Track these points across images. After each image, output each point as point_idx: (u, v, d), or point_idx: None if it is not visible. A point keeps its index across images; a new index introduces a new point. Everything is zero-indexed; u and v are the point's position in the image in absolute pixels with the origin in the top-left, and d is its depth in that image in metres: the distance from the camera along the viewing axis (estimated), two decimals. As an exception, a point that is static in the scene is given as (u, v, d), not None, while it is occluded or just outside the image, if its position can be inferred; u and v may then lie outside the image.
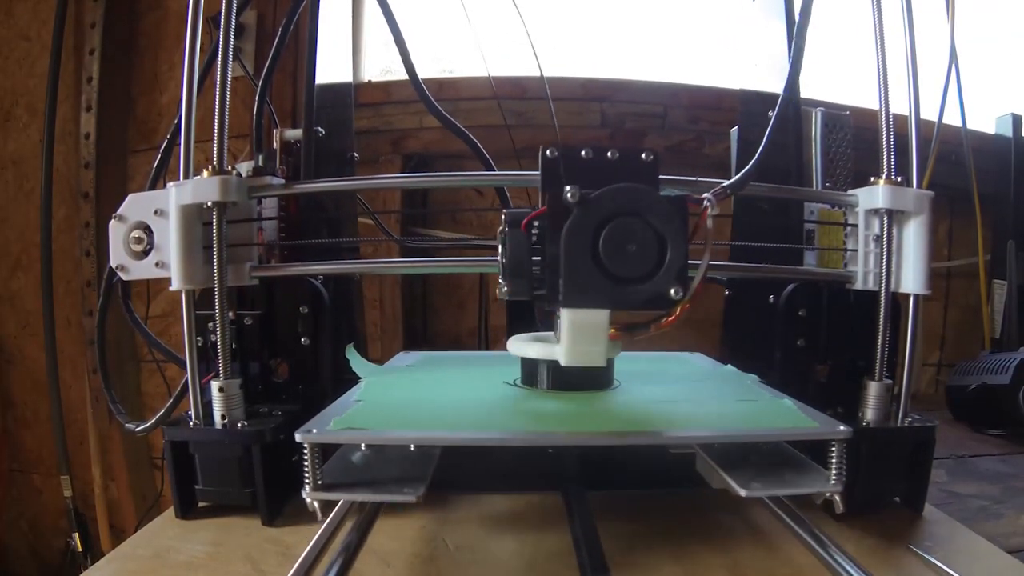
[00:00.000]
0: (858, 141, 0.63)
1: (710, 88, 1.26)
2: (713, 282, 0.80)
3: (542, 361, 0.50)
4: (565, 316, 0.39)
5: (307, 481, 0.39)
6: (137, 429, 0.63)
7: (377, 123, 1.26)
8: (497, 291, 0.42)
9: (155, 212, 0.51)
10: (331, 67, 0.70)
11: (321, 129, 0.65)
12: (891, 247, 0.50)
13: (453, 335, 1.36)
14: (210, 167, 0.50)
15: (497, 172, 0.55)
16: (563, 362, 0.41)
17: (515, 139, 1.09)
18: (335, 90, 0.71)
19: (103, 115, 1.30)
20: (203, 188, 0.49)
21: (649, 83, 1.27)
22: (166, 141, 0.63)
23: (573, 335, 0.40)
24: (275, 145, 0.64)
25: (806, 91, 0.63)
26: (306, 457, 0.38)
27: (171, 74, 1.33)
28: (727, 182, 0.47)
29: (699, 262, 0.40)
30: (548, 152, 0.41)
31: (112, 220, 0.52)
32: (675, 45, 1.38)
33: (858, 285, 0.53)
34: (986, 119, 1.37)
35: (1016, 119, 1.33)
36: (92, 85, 1.29)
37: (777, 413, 0.46)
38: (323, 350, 0.58)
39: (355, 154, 0.73)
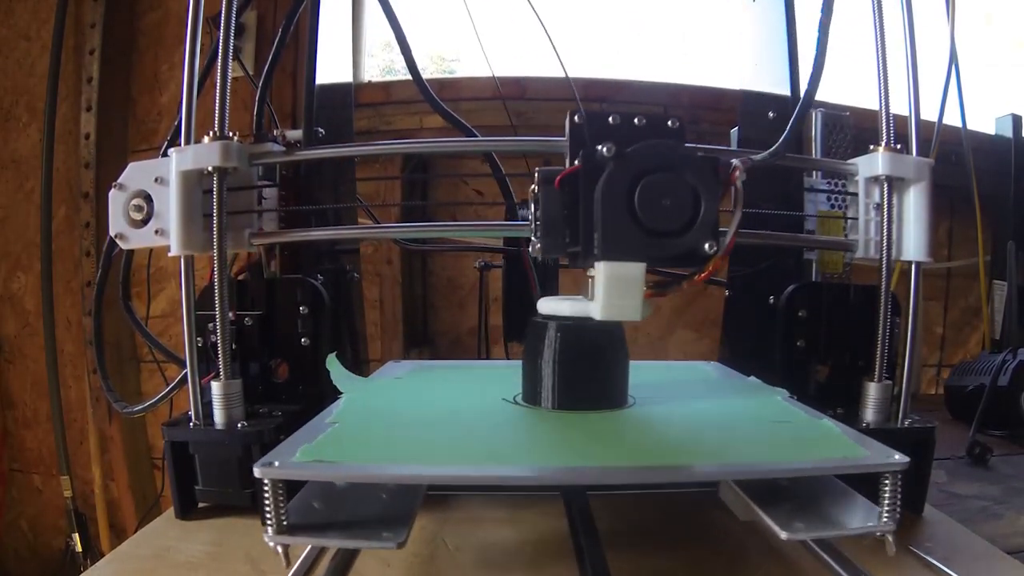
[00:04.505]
0: (858, 142, 0.63)
1: (710, 88, 1.26)
2: (714, 283, 0.80)
3: (546, 376, 0.47)
4: (601, 270, 0.39)
5: (269, 523, 0.33)
6: (124, 411, 0.63)
7: (377, 123, 1.26)
8: (530, 249, 0.42)
9: (155, 180, 0.51)
10: (331, 67, 0.70)
11: (321, 129, 0.65)
12: (891, 214, 0.49)
13: (453, 335, 1.36)
14: (211, 133, 0.50)
15: (496, 138, 0.56)
16: (598, 316, 0.40)
17: (515, 139, 1.09)
18: (335, 90, 0.71)
19: (103, 115, 1.30)
20: (204, 153, 0.49)
21: (649, 83, 1.27)
22: (166, 141, 0.62)
23: (609, 288, 0.39)
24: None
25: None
26: (267, 494, 0.33)
27: (171, 74, 1.33)
28: (756, 155, 0.47)
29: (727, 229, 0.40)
30: (576, 117, 0.41)
31: (112, 189, 0.52)
32: (675, 45, 1.38)
33: (859, 253, 0.52)
34: (986, 119, 1.37)
35: (1016, 120, 1.33)
36: (92, 85, 1.29)
37: (819, 439, 0.41)
38: (323, 350, 0.58)
39: (355, 159, 0.73)
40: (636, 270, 0.39)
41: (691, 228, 0.38)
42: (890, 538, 0.36)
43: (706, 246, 0.38)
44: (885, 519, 0.35)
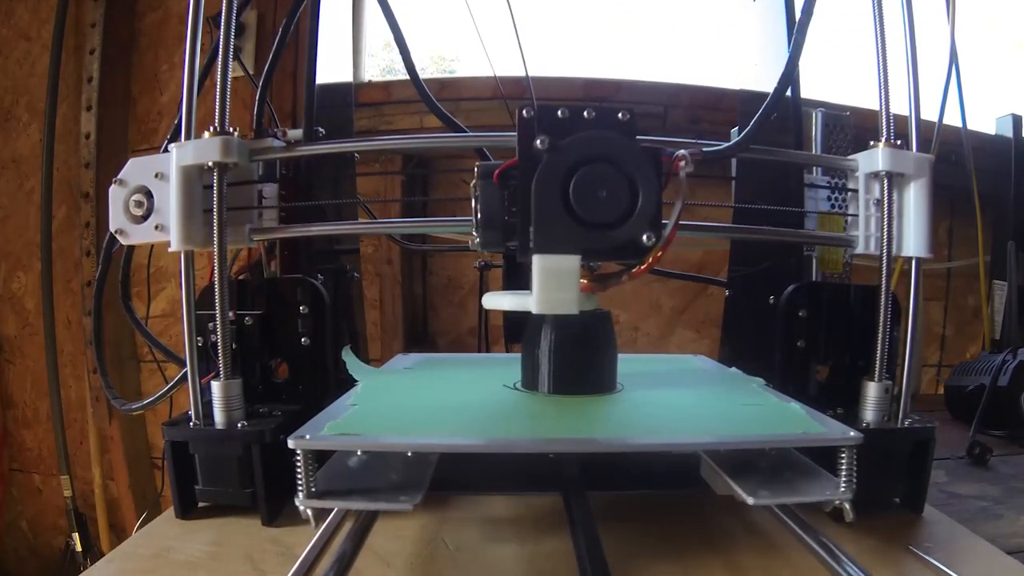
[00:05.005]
0: (858, 142, 0.63)
1: (710, 88, 1.26)
2: (714, 283, 0.80)
3: (543, 365, 0.49)
4: (536, 263, 0.39)
5: (300, 488, 0.38)
6: (122, 407, 0.64)
7: (377, 123, 1.26)
8: (470, 242, 0.42)
9: (156, 175, 0.51)
10: (331, 67, 0.70)
11: (321, 129, 0.65)
12: (892, 210, 0.49)
13: (453, 335, 1.36)
14: (211, 128, 0.49)
15: (497, 133, 0.56)
16: (534, 310, 0.40)
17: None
18: (335, 90, 0.71)
19: (103, 115, 1.30)
20: (204, 148, 0.49)
21: (649, 83, 1.27)
22: (166, 141, 0.62)
23: (544, 282, 0.39)
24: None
25: (806, 91, 0.63)
26: (299, 463, 0.38)
27: (171, 74, 1.33)
28: (709, 147, 0.47)
29: (666, 223, 0.40)
30: (524, 112, 0.41)
31: (112, 184, 0.52)
32: (675, 45, 1.38)
33: (859, 249, 0.52)
34: (986, 119, 1.37)
35: (1016, 119, 1.33)
36: (92, 85, 1.29)
37: (785, 418, 0.45)
38: (323, 350, 0.58)
39: (356, 154, 0.73)
40: (570, 263, 0.39)
41: (628, 220, 0.38)
42: (847, 506, 0.39)
43: (644, 238, 0.38)
44: (842, 488, 0.39)
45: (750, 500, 0.37)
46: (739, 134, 0.72)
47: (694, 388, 0.55)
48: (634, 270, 0.41)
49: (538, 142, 0.38)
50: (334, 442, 0.39)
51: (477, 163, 0.41)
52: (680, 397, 0.52)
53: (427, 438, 0.40)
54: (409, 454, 0.43)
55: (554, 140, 0.38)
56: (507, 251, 0.41)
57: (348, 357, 0.58)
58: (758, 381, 0.55)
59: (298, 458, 0.37)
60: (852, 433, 0.39)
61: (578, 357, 0.50)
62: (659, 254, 0.39)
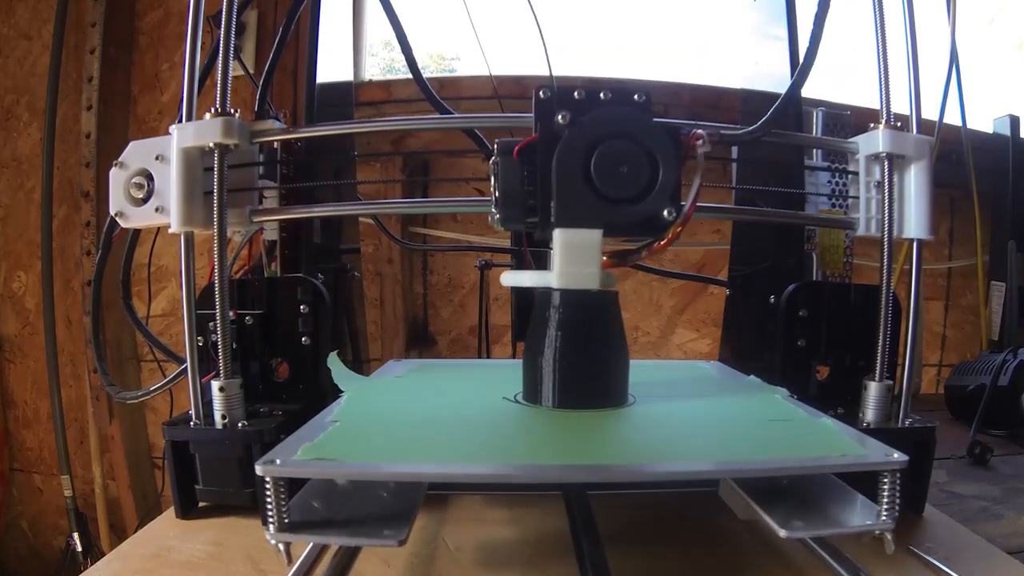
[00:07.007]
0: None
1: (710, 88, 1.26)
2: (714, 283, 0.80)
3: (546, 376, 0.46)
4: (557, 237, 0.39)
5: (271, 519, 0.33)
6: (117, 395, 0.64)
7: (377, 122, 1.26)
8: (489, 219, 0.42)
9: (156, 158, 0.51)
10: (332, 66, 0.70)
11: (321, 128, 0.65)
12: (892, 192, 0.49)
13: (454, 334, 1.36)
14: (212, 110, 0.49)
15: (489, 115, 0.57)
16: (555, 284, 0.40)
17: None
18: (335, 89, 0.71)
19: (104, 114, 1.30)
20: (205, 129, 0.49)
21: (649, 82, 1.27)
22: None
23: (566, 255, 0.39)
24: (275, 144, 0.64)
25: (806, 91, 0.63)
26: (269, 492, 0.33)
27: (172, 73, 1.33)
28: (728, 130, 0.47)
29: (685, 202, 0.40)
30: (541, 92, 0.41)
31: (113, 168, 0.52)
32: (675, 45, 1.38)
33: (860, 231, 0.52)
34: (986, 120, 1.37)
35: (1014, 120, 1.33)
36: (93, 84, 1.29)
37: (818, 437, 0.41)
38: (324, 350, 0.58)
39: (355, 153, 0.73)
40: (593, 237, 0.38)
41: (649, 195, 0.38)
42: (888, 536, 0.35)
43: (664, 213, 0.38)
44: (884, 517, 0.35)
45: (783, 533, 0.34)
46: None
47: (714, 400, 0.52)
48: (654, 245, 0.40)
49: (559, 117, 0.38)
50: (307, 469, 0.35)
51: (496, 140, 0.41)
52: (700, 412, 0.48)
53: (412, 466, 0.36)
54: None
55: (575, 116, 0.38)
56: (526, 228, 0.41)
57: (334, 364, 0.55)
58: (781, 392, 0.52)
59: (268, 485, 0.33)
60: (896, 455, 0.36)
61: (586, 366, 0.46)
62: (679, 230, 0.39)
